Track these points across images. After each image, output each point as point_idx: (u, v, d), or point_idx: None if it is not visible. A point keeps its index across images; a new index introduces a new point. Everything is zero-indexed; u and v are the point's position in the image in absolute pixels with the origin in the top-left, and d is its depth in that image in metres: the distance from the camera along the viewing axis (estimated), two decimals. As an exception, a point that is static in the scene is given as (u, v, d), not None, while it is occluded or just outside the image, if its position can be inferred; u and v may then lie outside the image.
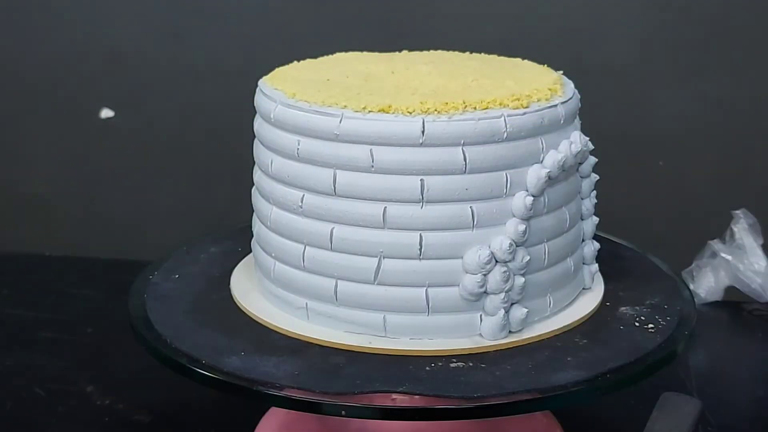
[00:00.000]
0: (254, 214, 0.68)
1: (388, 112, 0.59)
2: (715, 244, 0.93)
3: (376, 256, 0.60)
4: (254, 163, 0.68)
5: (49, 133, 1.10)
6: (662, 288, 0.69)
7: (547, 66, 0.70)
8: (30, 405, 0.79)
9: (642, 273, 0.71)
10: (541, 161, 0.61)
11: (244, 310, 0.66)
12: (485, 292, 0.60)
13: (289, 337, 0.62)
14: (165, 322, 0.64)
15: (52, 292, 0.99)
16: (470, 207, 0.60)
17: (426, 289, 0.60)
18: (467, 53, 0.73)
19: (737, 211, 0.93)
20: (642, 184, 1.05)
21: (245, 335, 0.62)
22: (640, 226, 0.99)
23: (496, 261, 0.60)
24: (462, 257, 0.60)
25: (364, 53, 0.73)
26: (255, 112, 0.67)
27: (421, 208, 0.60)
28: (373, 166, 0.59)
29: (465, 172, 0.59)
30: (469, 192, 0.60)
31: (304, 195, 0.62)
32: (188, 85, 1.07)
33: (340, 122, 0.60)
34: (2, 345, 0.89)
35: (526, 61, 0.72)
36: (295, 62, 0.71)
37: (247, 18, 1.04)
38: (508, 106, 0.60)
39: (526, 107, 0.61)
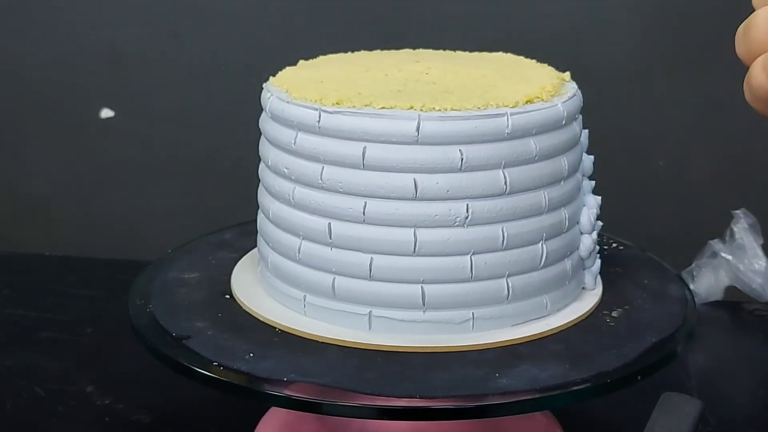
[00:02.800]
0: (259, 211, 0.68)
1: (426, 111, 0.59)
2: (715, 244, 0.93)
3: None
4: (259, 160, 0.67)
5: (49, 133, 1.10)
6: (662, 288, 0.69)
7: (548, 65, 0.70)
8: (30, 405, 0.79)
9: (641, 272, 0.71)
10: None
11: (246, 309, 0.65)
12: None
13: (292, 335, 0.62)
14: (166, 322, 0.64)
15: (52, 292, 0.99)
16: (543, 193, 0.62)
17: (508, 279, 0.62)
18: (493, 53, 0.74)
19: (737, 211, 0.93)
20: (642, 184, 1.05)
21: (246, 334, 0.62)
22: (640, 226, 0.99)
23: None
24: (541, 240, 0.62)
25: (381, 51, 0.74)
26: (251, 111, 0.67)
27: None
28: (461, 168, 0.59)
29: (536, 160, 0.61)
30: (542, 179, 0.62)
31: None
32: (188, 85, 1.07)
33: (419, 124, 0.59)
34: (2, 345, 0.89)
35: (525, 59, 0.72)
36: (321, 56, 0.72)
37: (248, 18, 1.04)
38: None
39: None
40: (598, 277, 0.69)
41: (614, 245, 0.75)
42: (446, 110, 0.59)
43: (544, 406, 0.62)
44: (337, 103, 0.60)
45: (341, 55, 0.72)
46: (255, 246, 0.73)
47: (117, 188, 1.11)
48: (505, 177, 0.60)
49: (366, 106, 0.60)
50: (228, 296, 0.67)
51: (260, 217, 0.67)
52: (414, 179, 0.59)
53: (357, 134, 0.59)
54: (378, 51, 0.73)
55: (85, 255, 1.07)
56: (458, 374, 0.58)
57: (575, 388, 0.57)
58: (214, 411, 0.78)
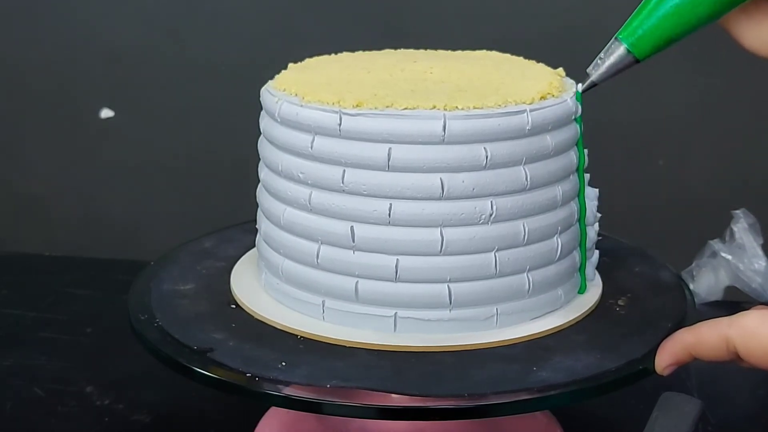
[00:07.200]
0: (260, 212, 0.68)
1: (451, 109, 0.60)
2: (715, 244, 0.93)
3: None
4: (259, 160, 0.67)
5: (48, 133, 1.10)
6: (662, 287, 0.69)
7: (535, 62, 0.71)
8: (30, 405, 0.79)
9: (641, 272, 0.71)
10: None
11: (259, 318, 0.64)
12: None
13: (316, 341, 0.61)
14: (165, 322, 0.64)
15: (52, 292, 0.99)
16: (558, 187, 0.62)
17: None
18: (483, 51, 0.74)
19: (737, 211, 0.93)
20: (642, 184, 1.05)
21: (269, 343, 0.61)
22: (640, 226, 0.99)
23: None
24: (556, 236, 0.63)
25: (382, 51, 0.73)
26: (251, 112, 0.67)
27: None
28: (486, 166, 0.60)
29: (551, 155, 0.62)
30: (557, 173, 0.63)
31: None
32: (188, 85, 1.07)
33: (445, 124, 0.59)
34: (2, 345, 0.89)
35: (513, 56, 0.72)
36: (314, 57, 0.71)
37: (248, 17, 1.05)
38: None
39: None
40: (596, 277, 0.69)
41: (616, 246, 0.75)
42: (469, 109, 0.59)
43: (544, 405, 0.62)
44: (357, 105, 0.60)
45: (327, 57, 0.72)
46: (239, 254, 0.72)
47: (116, 188, 1.11)
48: (525, 173, 0.61)
49: (388, 107, 0.59)
50: (234, 306, 0.66)
51: (265, 224, 0.66)
52: (440, 179, 0.59)
53: (382, 136, 0.59)
54: (361, 52, 0.73)
55: (84, 255, 1.07)
56: (496, 370, 0.58)
57: (575, 388, 0.57)
58: (214, 411, 0.78)
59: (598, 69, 0.60)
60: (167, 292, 0.68)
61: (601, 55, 0.60)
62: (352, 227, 0.60)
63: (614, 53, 0.59)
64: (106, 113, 1.08)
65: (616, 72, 0.59)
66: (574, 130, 0.64)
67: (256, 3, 1.04)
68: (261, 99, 0.66)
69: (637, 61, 0.58)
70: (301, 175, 0.62)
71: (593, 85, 0.61)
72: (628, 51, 0.58)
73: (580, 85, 0.63)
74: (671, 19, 0.57)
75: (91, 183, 1.11)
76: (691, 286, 0.88)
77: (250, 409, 0.71)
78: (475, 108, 0.59)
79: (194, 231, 0.79)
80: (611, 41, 0.59)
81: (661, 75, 1.02)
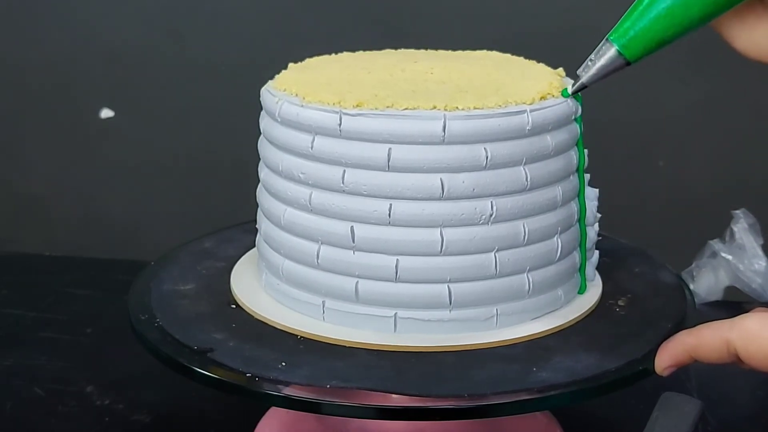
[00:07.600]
0: (260, 212, 0.68)
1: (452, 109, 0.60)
2: (715, 244, 0.93)
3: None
4: (259, 160, 0.67)
5: (48, 133, 1.10)
6: (662, 287, 0.69)
7: (535, 62, 0.71)
8: (30, 405, 0.79)
9: (641, 272, 0.71)
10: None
11: (259, 318, 0.64)
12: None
13: (316, 341, 0.61)
14: (165, 322, 0.64)
15: (51, 292, 0.99)
16: (558, 187, 0.63)
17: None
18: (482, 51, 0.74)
19: (737, 211, 0.93)
20: (642, 184, 1.05)
21: (269, 344, 0.61)
22: (640, 226, 0.99)
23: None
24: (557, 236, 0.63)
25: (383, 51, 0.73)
26: (251, 112, 0.67)
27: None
28: (486, 166, 0.60)
29: (551, 155, 0.62)
30: (557, 174, 0.63)
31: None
32: (188, 85, 1.07)
33: (445, 124, 0.59)
34: (2, 345, 0.89)
35: (513, 56, 0.72)
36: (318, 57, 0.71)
37: (248, 17, 1.05)
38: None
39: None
40: (595, 277, 0.69)
41: (616, 247, 0.75)
42: (470, 109, 0.59)
43: (544, 406, 0.62)
44: (357, 105, 0.60)
45: (327, 57, 0.72)
46: (239, 254, 0.72)
47: (116, 188, 1.11)
48: (525, 173, 0.61)
49: (388, 107, 0.59)
50: (234, 306, 0.66)
51: (265, 224, 0.66)
52: (441, 179, 0.59)
53: (382, 136, 0.59)
54: (361, 52, 0.73)
55: (84, 255, 1.07)
56: (496, 371, 0.58)
57: (575, 388, 0.57)
58: (214, 411, 0.78)
59: (588, 71, 0.59)
60: (167, 292, 0.68)
61: (592, 56, 0.58)
62: (352, 227, 0.61)
63: (605, 55, 0.58)
64: (106, 113, 1.08)
65: (607, 74, 0.58)
66: (574, 130, 0.64)
67: (256, 3, 1.04)
68: (261, 99, 0.66)
69: (628, 63, 0.57)
70: (301, 176, 0.62)
71: (583, 87, 0.60)
72: (619, 53, 0.57)
73: (569, 84, 0.62)
74: (663, 21, 0.56)
75: (91, 183, 1.11)
76: (691, 286, 0.89)
77: (250, 409, 0.71)
78: (475, 108, 0.59)
79: (194, 231, 0.79)
80: (602, 42, 0.58)
81: (661, 75, 1.02)
